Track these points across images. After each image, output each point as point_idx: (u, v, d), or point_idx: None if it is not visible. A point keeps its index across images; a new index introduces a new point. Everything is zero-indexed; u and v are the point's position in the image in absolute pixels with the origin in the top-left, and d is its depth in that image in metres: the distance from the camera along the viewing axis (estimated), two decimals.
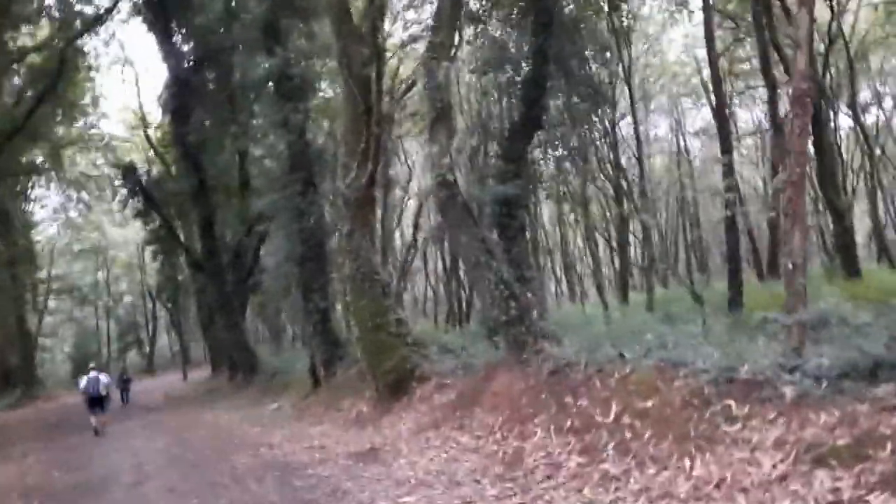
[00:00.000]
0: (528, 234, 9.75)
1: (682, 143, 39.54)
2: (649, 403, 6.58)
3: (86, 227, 50.31)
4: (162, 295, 47.68)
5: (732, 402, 5.73)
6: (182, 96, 22.79)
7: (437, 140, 9.40)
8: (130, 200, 25.09)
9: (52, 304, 48.98)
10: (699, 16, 20.34)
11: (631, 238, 38.37)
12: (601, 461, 6.40)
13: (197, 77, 23.02)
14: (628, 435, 6.48)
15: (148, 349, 54.87)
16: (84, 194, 43.66)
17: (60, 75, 24.47)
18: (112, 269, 55.88)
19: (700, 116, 38.69)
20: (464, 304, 30.68)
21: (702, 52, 24.68)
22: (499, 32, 14.47)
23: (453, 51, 12.04)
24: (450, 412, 10.21)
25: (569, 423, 7.38)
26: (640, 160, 24.47)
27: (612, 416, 6.90)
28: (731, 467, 5.12)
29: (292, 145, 15.57)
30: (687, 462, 5.52)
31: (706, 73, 25.72)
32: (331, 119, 18.20)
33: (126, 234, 50.57)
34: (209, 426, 15.70)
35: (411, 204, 36.75)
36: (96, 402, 16.20)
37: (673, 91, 36.97)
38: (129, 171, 24.37)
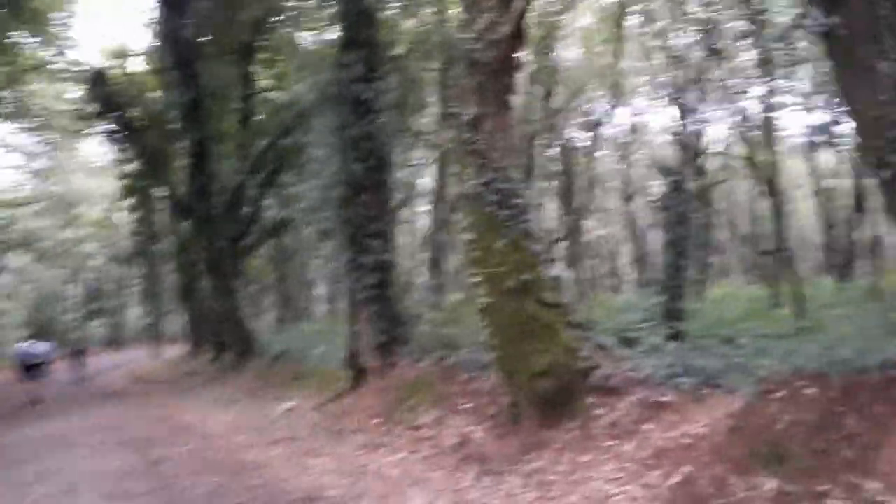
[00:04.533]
0: None
1: None
2: None
3: (51, 176, 43.92)
4: (134, 258, 41.79)
5: None
6: None
7: None
8: (97, 120, 19.14)
9: (8, 260, 42.78)
10: None
11: None
12: None
13: None
14: None
15: (115, 319, 48.64)
16: (50, 135, 37.52)
17: None
18: (81, 228, 49.43)
19: None
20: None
21: None
22: None
23: None
24: (724, 467, 4.89)
25: None
26: None
27: None
28: None
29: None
30: None
31: None
32: None
33: (99, 186, 44.27)
34: (196, 435, 10.17)
35: None
36: (30, 368, 16.54)
37: None
38: (96, 81, 18.41)
